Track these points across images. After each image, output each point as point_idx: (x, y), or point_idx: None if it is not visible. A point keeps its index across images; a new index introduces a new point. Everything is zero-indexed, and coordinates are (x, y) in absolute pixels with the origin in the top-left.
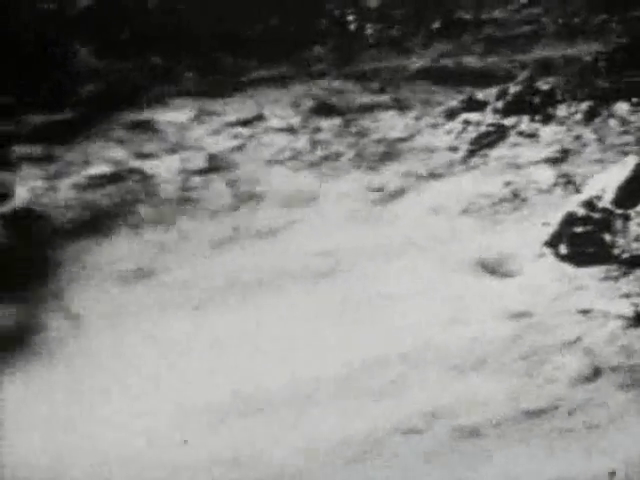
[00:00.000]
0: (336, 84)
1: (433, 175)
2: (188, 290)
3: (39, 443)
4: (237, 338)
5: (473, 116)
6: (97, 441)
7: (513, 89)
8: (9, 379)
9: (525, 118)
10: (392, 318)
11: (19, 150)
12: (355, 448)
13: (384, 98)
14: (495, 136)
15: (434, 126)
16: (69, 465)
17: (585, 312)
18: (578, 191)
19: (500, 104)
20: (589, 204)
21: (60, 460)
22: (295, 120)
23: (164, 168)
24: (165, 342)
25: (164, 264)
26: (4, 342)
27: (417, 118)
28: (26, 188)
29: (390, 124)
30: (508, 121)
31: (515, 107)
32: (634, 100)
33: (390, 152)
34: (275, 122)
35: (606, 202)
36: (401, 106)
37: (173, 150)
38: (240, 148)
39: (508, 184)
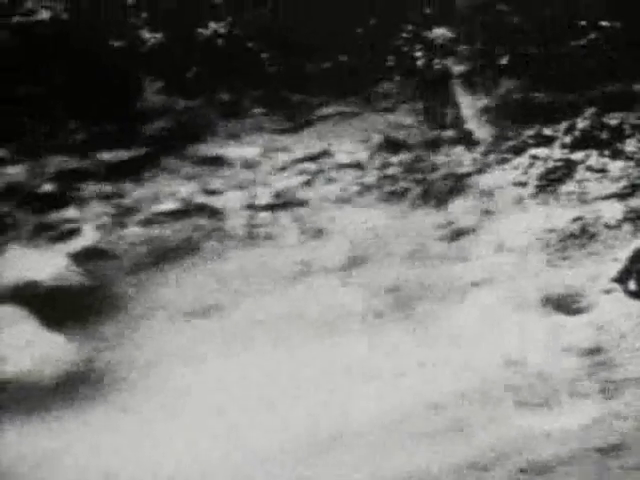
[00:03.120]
0: (404, 119)
1: (501, 211)
2: (255, 327)
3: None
4: (305, 377)
5: (541, 151)
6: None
7: (581, 124)
8: (72, 417)
9: (593, 153)
10: (458, 355)
11: (88, 187)
12: None
13: (452, 133)
14: (563, 171)
15: (502, 161)
16: None
17: None
18: None
19: (568, 139)
20: None
21: None
22: (363, 156)
23: (231, 204)
24: (234, 381)
25: (231, 301)
26: (71, 379)
27: (485, 153)
28: (94, 225)
29: (458, 159)
30: (576, 156)
31: (583, 142)
32: None
33: (458, 188)
34: (343, 158)
35: None
36: (469, 141)
37: (240, 186)
38: (307, 184)
39: (576, 220)
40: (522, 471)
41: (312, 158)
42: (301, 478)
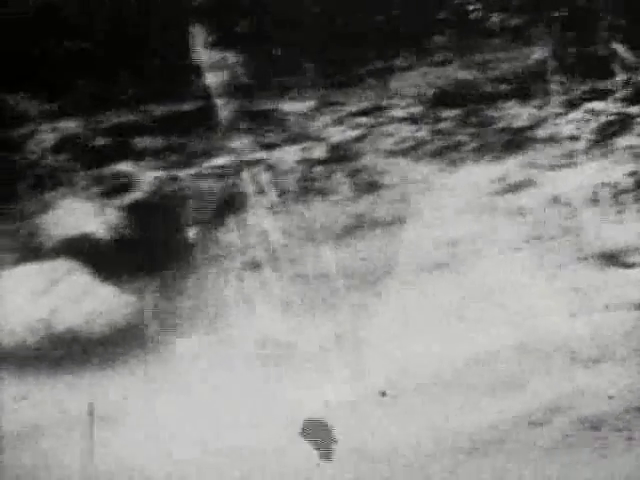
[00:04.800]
0: (457, 74)
1: (556, 165)
2: (309, 282)
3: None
4: (361, 330)
5: (596, 105)
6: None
7: (638, 77)
8: (125, 370)
9: None
10: (512, 309)
11: (141, 141)
12: (475, 440)
13: (506, 87)
14: (619, 125)
15: (557, 115)
16: None
17: None
18: None
19: (624, 93)
20: None
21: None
22: (416, 110)
23: (285, 158)
24: (289, 334)
25: (286, 254)
26: (123, 332)
27: (539, 107)
28: (148, 179)
29: (512, 114)
30: (632, 110)
31: (639, 96)
32: None
33: (512, 142)
34: (396, 112)
35: None
36: (523, 95)
37: (294, 140)
38: (361, 138)
39: (632, 174)
40: (575, 427)
41: (366, 112)
42: (360, 426)
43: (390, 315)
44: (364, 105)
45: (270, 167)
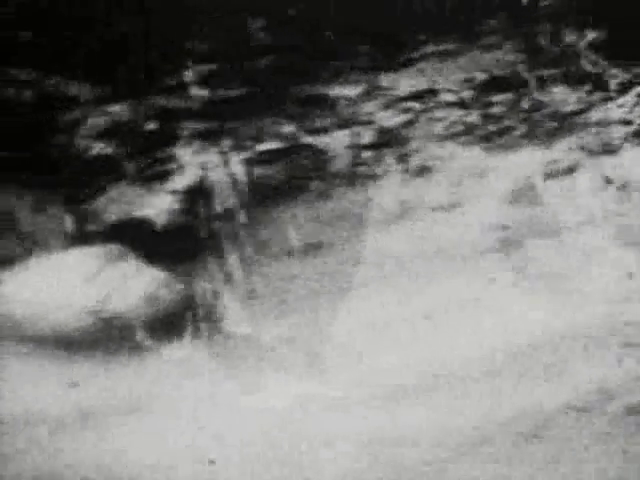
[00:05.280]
0: (508, 57)
1: (606, 149)
2: (358, 266)
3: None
4: (404, 318)
5: None
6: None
7: None
8: (174, 355)
9: None
10: (563, 294)
11: (190, 126)
12: (525, 426)
13: (556, 72)
14: None
15: (607, 100)
16: None
17: None
18: None
19: None
20: None
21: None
22: (467, 94)
23: (335, 143)
24: (340, 319)
25: (333, 240)
26: (173, 316)
27: (590, 92)
28: (197, 164)
29: (562, 98)
30: None
31: None
32: None
33: (562, 126)
34: (446, 96)
35: None
36: (573, 79)
37: (344, 125)
38: (411, 123)
39: None
40: (627, 413)
41: (416, 96)
42: (410, 413)
43: (441, 299)
44: (414, 89)
45: (319, 152)
